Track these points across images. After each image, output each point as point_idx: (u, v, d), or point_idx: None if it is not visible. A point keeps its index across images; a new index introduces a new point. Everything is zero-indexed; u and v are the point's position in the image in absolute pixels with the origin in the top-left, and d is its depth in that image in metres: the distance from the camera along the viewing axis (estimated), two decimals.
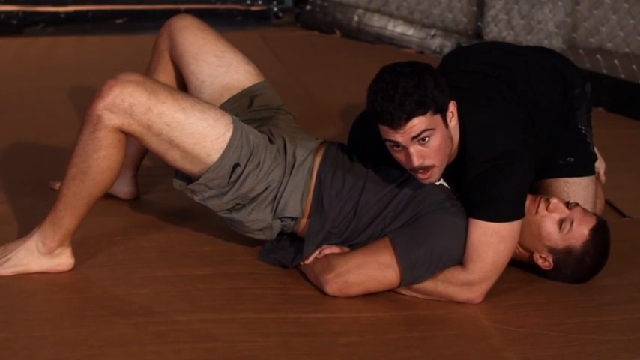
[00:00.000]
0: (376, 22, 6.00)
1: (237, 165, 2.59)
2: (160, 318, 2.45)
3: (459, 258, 2.59)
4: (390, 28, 5.93)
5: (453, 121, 2.53)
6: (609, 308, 2.64)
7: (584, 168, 2.95)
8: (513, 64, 2.88)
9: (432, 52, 5.68)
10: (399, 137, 2.44)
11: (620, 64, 4.72)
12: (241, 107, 2.86)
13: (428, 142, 2.45)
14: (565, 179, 2.93)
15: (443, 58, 3.19)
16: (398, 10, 5.97)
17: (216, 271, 2.72)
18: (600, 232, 2.68)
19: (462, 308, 2.58)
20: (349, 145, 2.80)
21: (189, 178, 2.65)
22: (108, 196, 3.03)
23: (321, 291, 2.62)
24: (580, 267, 2.70)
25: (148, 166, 3.37)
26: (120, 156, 2.53)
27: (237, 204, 2.66)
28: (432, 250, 2.55)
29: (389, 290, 2.62)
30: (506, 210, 2.56)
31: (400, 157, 2.50)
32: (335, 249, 2.67)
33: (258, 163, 2.62)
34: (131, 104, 2.48)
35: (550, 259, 2.69)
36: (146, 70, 3.02)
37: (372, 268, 2.58)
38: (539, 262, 2.71)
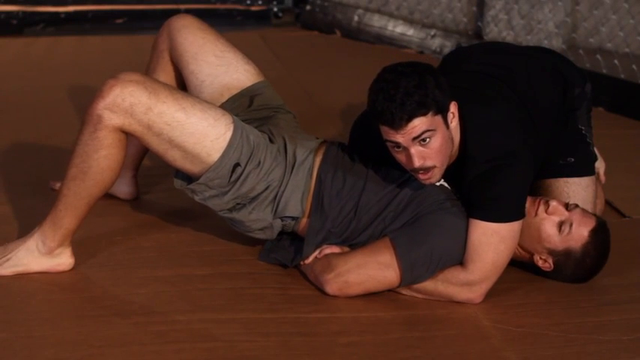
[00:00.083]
0: (376, 22, 6.00)
1: (237, 164, 2.59)
2: (160, 318, 2.44)
3: (459, 258, 2.59)
4: (390, 28, 5.93)
5: (454, 122, 2.53)
6: (609, 308, 2.64)
7: (585, 168, 2.95)
8: (513, 64, 2.88)
9: (432, 52, 5.68)
10: (399, 138, 2.44)
11: (620, 64, 4.72)
12: (241, 107, 2.86)
13: (429, 142, 2.45)
14: (565, 179, 2.93)
15: (443, 58, 3.19)
16: (398, 10, 5.97)
17: (216, 271, 2.72)
18: (600, 233, 2.68)
19: (462, 308, 2.58)
20: (350, 145, 2.80)
21: (189, 178, 2.65)
22: (108, 196, 3.04)
23: (321, 291, 2.62)
24: (580, 268, 2.70)
25: (148, 166, 3.37)
26: (120, 156, 2.53)
27: (238, 203, 2.66)
28: (432, 250, 2.55)
29: (389, 290, 2.62)
30: (507, 210, 2.56)
31: (401, 157, 2.50)
32: (335, 249, 2.67)
33: (259, 162, 2.62)
34: (132, 104, 2.48)
35: (550, 260, 2.69)
36: (146, 70, 3.02)
37: (372, 268, 2.58)
38: (540, 263, 2.71)
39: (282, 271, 2.74)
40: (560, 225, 2.66)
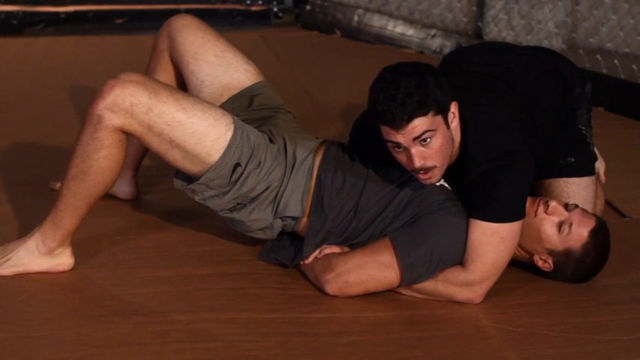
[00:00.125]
0: (376, 22, 6.00)
1: (238, 164, 2.59)
2: (160, 318, 2.44)
3: (459, 258, 2.59)
4: (390, 28, 5.93)
5: (455, 122, 2.53)
6: (609, 308, 2.64)
7: (585, 168, 2.95)
8: (514, 64, 2.88)
9: (432, 52, 5.69)
10: (400, 138, 2.44)
11: (620, 64, 4.72)
12: (241, 107, 2.86)
13: (429, 142, 2.45)
14: (565, 179, 2.93)
15: (443, 58, 3.19)
16: (398, 10, 5.97)
17: (216, 271, 2.72)
18: (600, 233, 2.68)
19: (462, 308, 2.58)
20: (350, 145, 2.80)
21: (189, 178, 2.65)
22: (108, 196, 3.04)
23: (321, 291, 2.62)
24: (580, 268, 2.70)
25: (148, 166, 3.38)
26: (121, 156, 2.53)
27: (238, 203, 2.66)
28: (432, 250, 2.55)
29: (389, 290, 2.62)
30: (507, 210, 2.56)
31: (401, 157, 2.50)
32: (335, 249, 2.67)
33: (259, 162, 2.62)
34: (132, 104, 2.48)
35: (550, 260, 2.69)
36: (146, 70, 3.02)
37: (372, 268, 2.57)
38: (540, 263, 2.71)
39: (282, 271, 2.74)
40: (560, 225, 2.66)
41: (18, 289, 2.56)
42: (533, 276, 2.76)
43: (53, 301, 2.53)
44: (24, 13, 6.13)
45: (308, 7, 6.38)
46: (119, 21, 6.39)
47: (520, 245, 2.68)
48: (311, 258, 2.67)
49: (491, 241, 2.55)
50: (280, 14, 6.60)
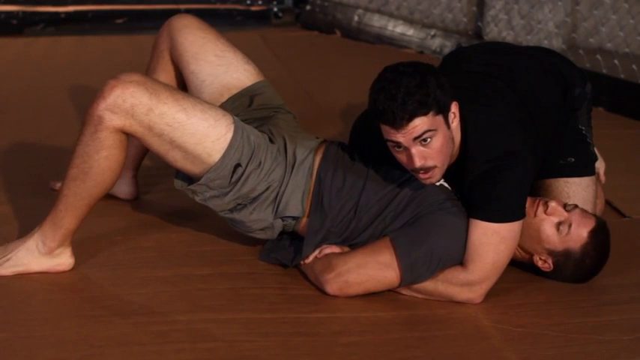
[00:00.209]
0: (376, 22, 6.00)
1: (238, 165, 2.59)
2: (160, 318, 2.44)
3: (459, 258, 2.59)
4: (390, 28, 5.93)
5: (455, 122, 2.53)
6: (609, 308, 2.64)
7: (585, 168, 2.95)
8: (514, 64, 2.88)
9: (432, 52, 5.69)
10: (400, 137, 2.44)
11: (620, 64, 4.72)
12: (241, 106, 2.86)
13: (430, 142, 2.45)
14: (565, 179, 2.93)
15: (443, 58, 3.19)
16: (398, 10, 5.97)
17: (216, 271, 2.72)
18: (599, 233, 2.68)
19: (462, 308, 2.58)
20: (350, 145, 2.80)
21: (190, 179, 2.65)
22: (108, 196, 3.03)
23: (322, 291, 2.62)
24: (580, 269, 2.70)
25: (148, 166, 3.38)
26: (121, 156, 2.53)
27: (239, 204, 2.66)
28: (433, 250, 2.55)
29: (389, 290, 2.62)
30: (507, 210, 2.56)
31: (402, 157, 2.50)
32: (335, 249, 2.67)
33: (260, 163, 2.62)
34: (133, 105, 2.48)
35: (550, 261, 2.69)
36: (146, 70, 3.02)
37: (372, 268, 2.57)
38: (539, 264, 2.71)
39: (282, 271, 2.74)
40: (559, 225, 2.66)
41: (18, 289, 2.56)
42: (533, 276, 2.76)
43: (53, 301, 2.53)
44: (24, 13, 6.13)
45: (308, 7, 6.38)
46: (119, 21, 6.39)
47: (520, 245, 2.68)
48: (311, 258, 2.67)
49: (492, 241, 2.55)
50: (280, 14, 6.60)
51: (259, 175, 2.62)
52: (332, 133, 3.89)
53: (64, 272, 2.64)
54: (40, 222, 2.62)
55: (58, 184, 2.89)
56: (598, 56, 4.84)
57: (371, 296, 2.60)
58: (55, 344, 2.30)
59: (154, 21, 5.83)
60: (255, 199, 2.65)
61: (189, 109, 2.53)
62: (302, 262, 2.70)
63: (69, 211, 2.57)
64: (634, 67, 4.64)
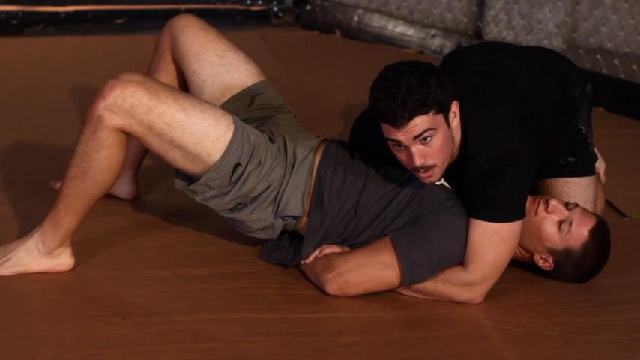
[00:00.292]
0: (376, 22, 6.00)
1: (238, 165, 2.59)
2: (160, 318, 2.44)
3: (459, 258, 2.59)
4: (390, 28, 5.93)
5: (455, 121, 2.54)
6: (609, 308, 2.64)
7: (585, 168, 2.95)
8: (514, 63, 2.88)
9: (432, 52, 5.69)
10: (400, 136, 2.44)
11: (620, 64, 4.72)
12: (242, 106, 2.86)
13: (430, 141, 2.45)
14: (565, 179, 2.93)
15: (443, 58, 3.19)
16: (398, 10, 5.97)
17: (216, 271, 2.72)
18: (600, 232, 2.68)
19: (462, 308, 2.58)
20: (350, 145, 2.80)
21: (190, 179, 2.65)
22: (108, 196, 3.03)
23: (322, 290, 2.62)
24: (580, 267, 2.70)
25: (148, 166, 3.38)
26: (121, 156, 2.53)
27: (239, 204, 2.66)
28: (433, 250, 2.55)
29: (389, 290, 2.62)
30: (507, 210, 2.56)
31: (402, 156, 2.50)
32: (335, 248, 2.67)
33: (259, 162, 2.62)
34: (132, 104, 2.48)
35: (550, 259, 2.69)
36: (147, 70, 3.02)
37: (373, 268, 2.58)
38: (540, 262, 2.71)
39: (283, 270, 2.74)
40: (560, 224, 2.66)
41: (18, 289, 2.56)
42: (533, 276, 2.76)
43: (53, 301, 2.53)
44: (24, 13, 6.13)
45: (308, 7, 6.38)
46: (119, 21, 6.39)
47: (520, 244, 2.68)
48: (311, 257, 2.67)
49: (492, 241, 2.55)
50: (280, 14, 6.60)
51: (259, 175, 2.62)
52: (332, 132, 3.89)
53: (64, 272, 2.64)
54: (40, 222, 2.62)
55: (58, 184, 2.89)
56: (598, 56, 4.84)
57: (371, 296, 2.60)
58: (55, 344, 2.30)
59: (154, 21, 5.84)
60: (255, 198, 2.65)
61: (189, 108, 2.53)
62: (302, 262, 2.70)
63: (69, 211, 2.57)
64: (634, 67, 4.64)
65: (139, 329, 2.38)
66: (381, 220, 2.65)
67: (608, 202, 3.31)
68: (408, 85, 2.41)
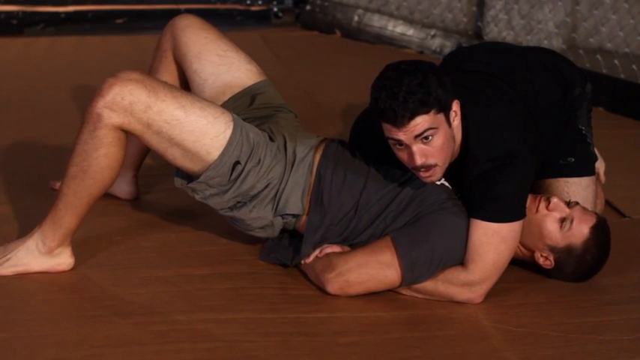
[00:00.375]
0: (376, 22, 6.00)
1: (237, 162, 2.59)
2: (160, 318, 2.44)
3: (459, 258, 2.59)
4: (390, 28, 5.93)
5: (456, 121, 2.54)
6: (609, 308, 2.64)
7: (585, 168, 2.95)
8: (514, 63, 2.88)
9: (432, 52, 5.69)
10: (401, 135, 2.44)
11: (620, 64, 4.72)
12: (243, 105, 2.87)
13: (431, 140, 2.46)
14: (565, 179, 2.93)
15: (444, 58, 3.19)
16: (398, 10, 5.97)
17: (216, 271, 2.72)
18: (600, 230, 2.68)
19: (462, 308, 2.58)
20: (350, 145, 2.80)
21: (189, 177, 2.65)
22: (108, 196, 3.04)
23: (322, 290, 2.62)
24: (581, 265, 2.70)
25: (148, 165, 3.37)
26: (120, 154, 2.53)
27: (239, 202, 2.66)
28: (433, 250, 2.55)
29: (389, 290, 2.62)
30: (508, 210, 2.56)
31: (403, 155, 2.50)
32: (336, 248, 2.67)
33: (259, 160, 2.62)
34: (131, 102, 2.48)
35: (551, 258, 2.69)
36: (149, 70, 3.03)
37: (373, 268, 2.57)
38: (541, 261, 2.71)
39: (283, 270, 2.74)
40: (562, 221, 2.66)
41: (18, 289, 2.56)
42: (534, 276, 2.76)
43: (53, 301, 2.53)
44: (24, 13, 6.13)
45: (308, 7, 6.38)
46: (119, 21, 6.39)
47: (521, 242, 2.68)
48: (312, 257, 2.67)
49: (492, 241, 2.55)
50: (280, 14, 6.60)
51: (259, 173, 2.62)
52: (332, 132, 3.89)
53: (64, 272, 2.64)
54: (39, 222, 2.62)
55: (58, 184, 2.89)
56: (598, 56, 4.84)
57: (371, 296, 2.60)
58: (55, 344, 2.30)
59: (154, 21, 5.84)
60: (254, 196, 2.65)
61: (188, 106, 2.53)
62: (303, 262, 2.69)
63: (68, 210, 2.57)
64: (634, 67, 4.64)
65: (138, 329, 2.38)
66: (382, 219, 2.65)
67: (608, 202, 3.31)
68: (409, 85, 2.41)
